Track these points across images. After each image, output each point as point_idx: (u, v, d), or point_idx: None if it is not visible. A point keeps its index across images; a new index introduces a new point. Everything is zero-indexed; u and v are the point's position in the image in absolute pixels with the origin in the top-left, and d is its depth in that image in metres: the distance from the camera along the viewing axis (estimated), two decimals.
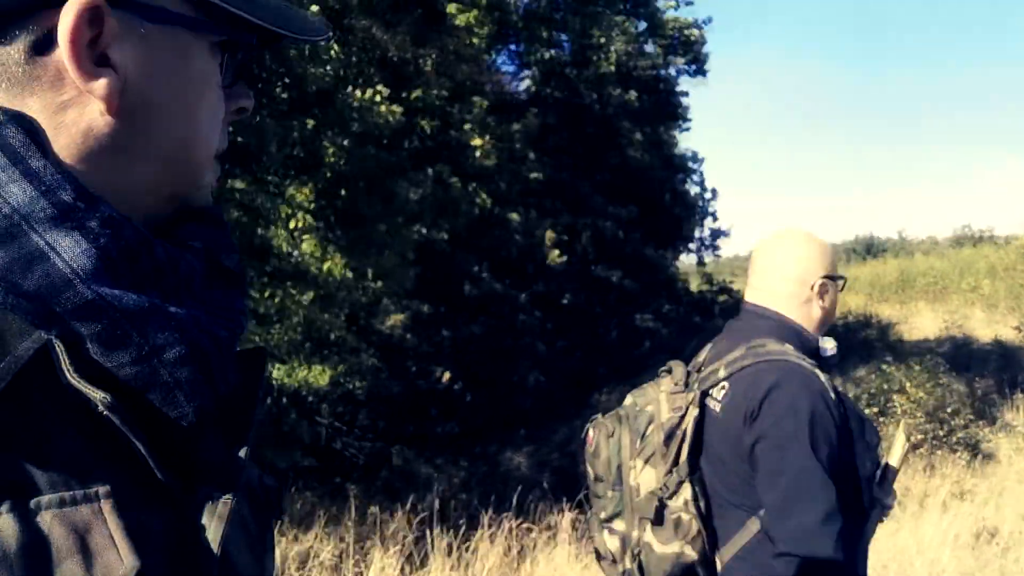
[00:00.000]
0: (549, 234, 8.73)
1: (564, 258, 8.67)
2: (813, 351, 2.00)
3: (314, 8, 6.06)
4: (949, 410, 8.75)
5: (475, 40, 7.22)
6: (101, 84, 0.56)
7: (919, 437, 7.98)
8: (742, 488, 1.93)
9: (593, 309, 13.20)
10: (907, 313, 21.91)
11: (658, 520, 1.99)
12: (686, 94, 13.67)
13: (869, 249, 50.18)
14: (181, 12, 0.60)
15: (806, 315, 2.01)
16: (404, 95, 7.75)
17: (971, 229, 40.17)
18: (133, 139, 0.59)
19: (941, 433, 8.31)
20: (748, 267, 2.17)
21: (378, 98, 5.89)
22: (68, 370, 0.51)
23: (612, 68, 11.78)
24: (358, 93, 5.68)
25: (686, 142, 25.55)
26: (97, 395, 0.51)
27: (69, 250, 0.52)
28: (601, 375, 13.60)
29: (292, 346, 5.95)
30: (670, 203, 13.92)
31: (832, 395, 1.88)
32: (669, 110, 13.33)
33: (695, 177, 16.95)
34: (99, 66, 0.56)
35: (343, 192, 5.21)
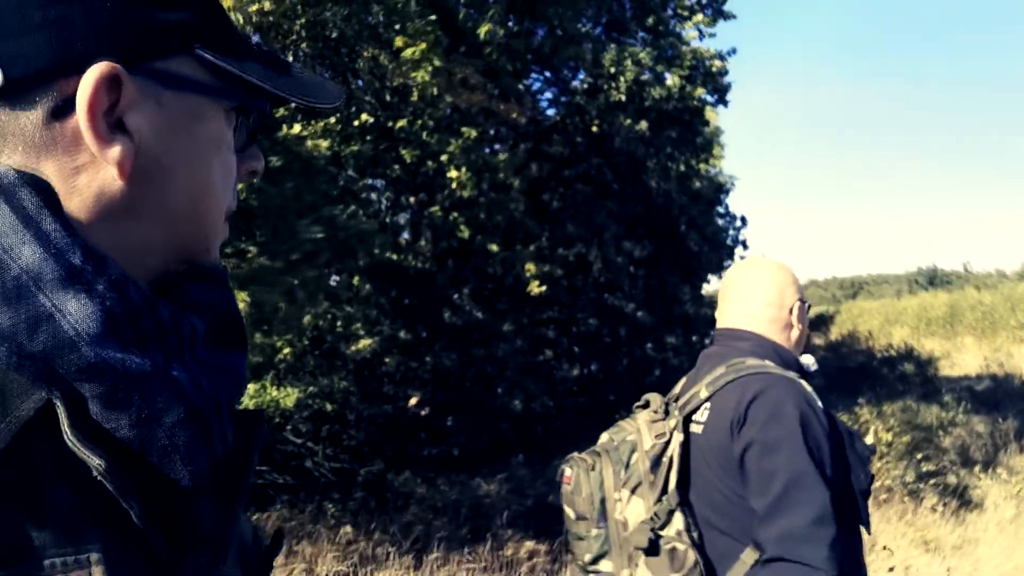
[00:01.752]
0: (530, 266, 8.62)
1: (543, 288, 8.54)
2: (795, 367, 2.03)
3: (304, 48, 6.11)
4: (919, 455, 8.32)
5: (422, 77, 7.17)
6: (116, 150, 0.56)
7: (886, 483, 7.59)
8: (731, 510, 1.85)
9: (603, 339, 13.02)
10: (952, 348, 21.07)
11: (652, 551, 1.89)
12: (706, 124, 13.40)
13: (932, 280, 48.55)
14: (198, 79, 0.61)
15: (787, 338, 2.07)
16: (390, 125, 7.77)
17: None
18: (145, 201, 0.59)
19: (909, 479, 7.89)
20: (721, 295, 2.20)
21: (305, 132, 5.89)
22: (67, 431, 0.51)
23: (623, 97, 11.63)
24: (285, 128, 5.70)
25: (725, 170, 25.09)
26: (93, 460, 0.51)
27: (75, 312, 0.52)
28: (611, 403, 13.38)
29: (252, 369, 5.99)
30: (687, 234, 13.66)
31: (819, 403, 1.86)
32: (689, 139, 13.08)
33: (720, 208, 16.64)
34: (115, 132, 0.57)
35: (245, 227, 5.21)
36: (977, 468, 8.56)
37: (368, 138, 7.64)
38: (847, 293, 50.31)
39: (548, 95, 12.03)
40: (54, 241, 0.53)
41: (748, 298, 2.09)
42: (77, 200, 0.56)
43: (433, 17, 7.50)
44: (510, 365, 7.94)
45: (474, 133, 8.03)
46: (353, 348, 6.88)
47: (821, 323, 27.37)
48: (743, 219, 19.50)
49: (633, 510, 1.93)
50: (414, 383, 7.85)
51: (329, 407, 7.07)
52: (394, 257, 7.22)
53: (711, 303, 15.72)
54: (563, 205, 13.12)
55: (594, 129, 12.37)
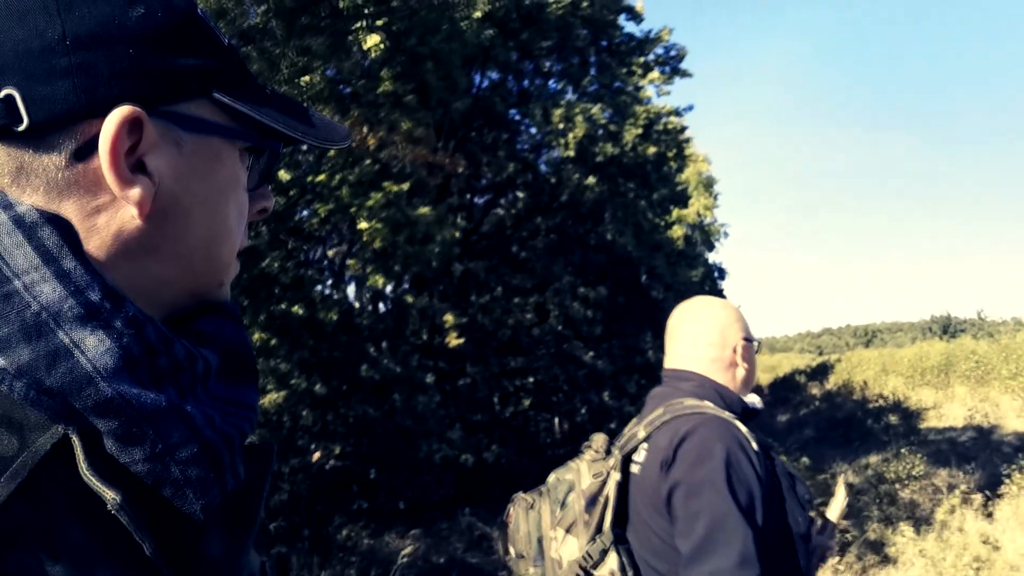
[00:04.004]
0: (448, 317, 8.58)
1: (462, 340, 8.49)
2: (738, 409, 1.99)
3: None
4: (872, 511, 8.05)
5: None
6: (136, 191, 0.57)
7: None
8: (666, 551, 1.81)
9: (561, 387, 12.89)
10: (944, 398, 20.53)
11: None
12: (665, 178, 13.36)
13: (946, 329, 47.57)
14: (216, 121, 0.62)
15: (731, 378, 2.03)
16: (309, 180, 7.85)
17: None
18: (162, 240, 0.60)
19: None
20: (667, 337, 2.19)
21: None
22: (83, 466, 0.52)
23: (571, 153, 11.67)
24: None
25: (719, 219, 25.03)
26: (108, 494, 0.52)
27: (93, 348, 0.53)
28: (566, 456, 13.20)
29: None
30: (649, 284, 13.56)
31: (754, 446, 1.82)
32: (644, 195, 13.04)
33: (709, 256, 16.60)
34: (136, 173, 0.58)
35: None
36: (904, 524, 8.24)
37: (291, 193, 7.72)
38: (860, 341, 49.48)
39: (500, 152, 12.10)
40: (74, 279, 0.54)
41: (691, 338, 2.07)
42: (96, 239, 0.57)
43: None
44: (431, 417, 7.87)
45: (395, 188, 8.07)
46: (264, 402, 6.88)
47: (821, 372, 26.85)
48: (720, 270, 19.38)
49: (567, 549, 1.91)
50: (333, 436, 7.81)
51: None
52: (300, 311, 7.24)
53: None
54: (523, 256, 13.14)
55: (553, 181, 12.43)
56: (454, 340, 8.38)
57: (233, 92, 0.63)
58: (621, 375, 13.32)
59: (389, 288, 8.84)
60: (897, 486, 11.33)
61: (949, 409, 19.38)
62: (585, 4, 12.36)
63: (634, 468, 1.92)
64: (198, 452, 0.56)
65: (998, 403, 18.81)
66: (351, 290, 8.43)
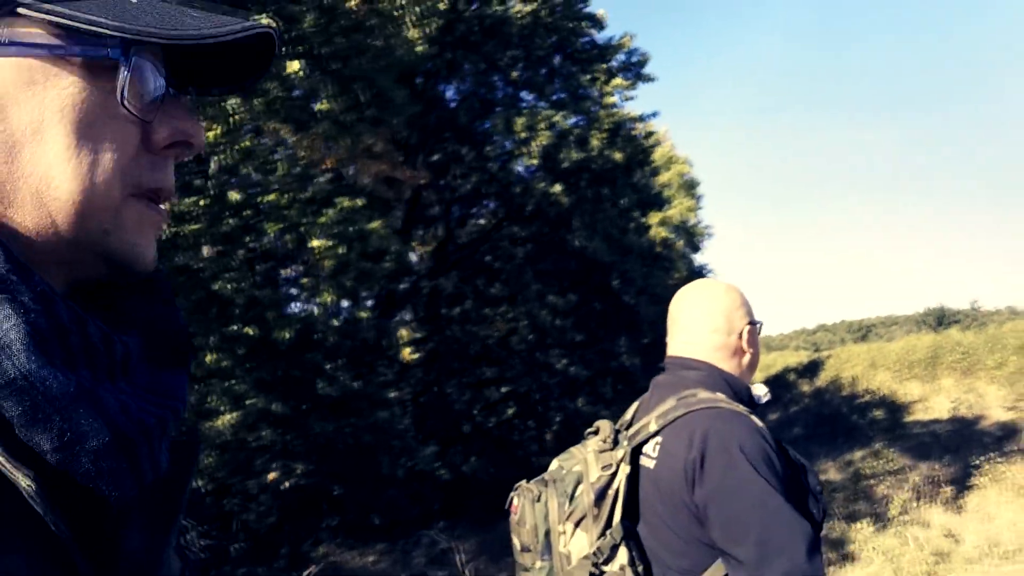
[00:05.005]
0: (403, 332, 8.56)
1: (416, 355, 8.47)
2: (746, 397, 1.93)
3: None
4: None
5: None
6: None
7: None
8: (687, 551, 1.76)
9: (534, 395, 12.87)
10: (931, 391, 20.48)
11: None
12: (634, 183, 13.38)
13: (940, 320, 47.48)
14: (23, 40, 0.54)
15: (736, 364, 1.96)
16: (258, 200, 7.85)
17: None
18: (6, 185, 0.54)
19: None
20: (669, 322, 2.09)
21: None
22: None
23: (536, 161, 11.68)
24: None
25: (704, 221, 25.03)
26: (22, 481, 0.49)
27: None
28: (544, 467, 13.15)
29: None
30: (621, 289, 13.55)
31: (771, 437, 1.77)
32: (614, 199, 13.05)
33: (696, 257, 16.61)
34: None
35: None
36: (866, 521, 8.20)
37: (245, 213, 7.71)
38: (855, 336, 49.39)
39: (468, 164, 12.11)
40: None
41: (695, 325, 1.98)
42: None
43: None
44: (391, 432, 7.85)
45: (347, 202, 8.08)
46: (209, 425, 6.85)
47: (811, 369, 26.78)
48: (705, 272, 19.41)
49: (576, 544, 1.85)
50: (294, 455, 7.79)
51: (200, 483, 7.05)
52: (250, 332, 7.23)
53: (648, 352, 15.49)
54: (497, 266, 13.13)
55: (518, 190, 12.44)
56: (408, 355, 8.36)
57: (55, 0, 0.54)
58: (597, 380, 13.30)
59: (346, 303, 8.82)
60: (873, 482, 11.31)
61: (935, 402, 19.31)
62: (545, 13, 12.40)
63: (645, 461, 1.86)
64: (110, 441, 0.52)
65: (983, 393, 18.75)
66: (309, 307, 8.43)
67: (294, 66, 6.00)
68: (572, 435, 12.24)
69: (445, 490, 11.46)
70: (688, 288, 2.10)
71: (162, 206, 0.62)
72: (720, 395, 1.85)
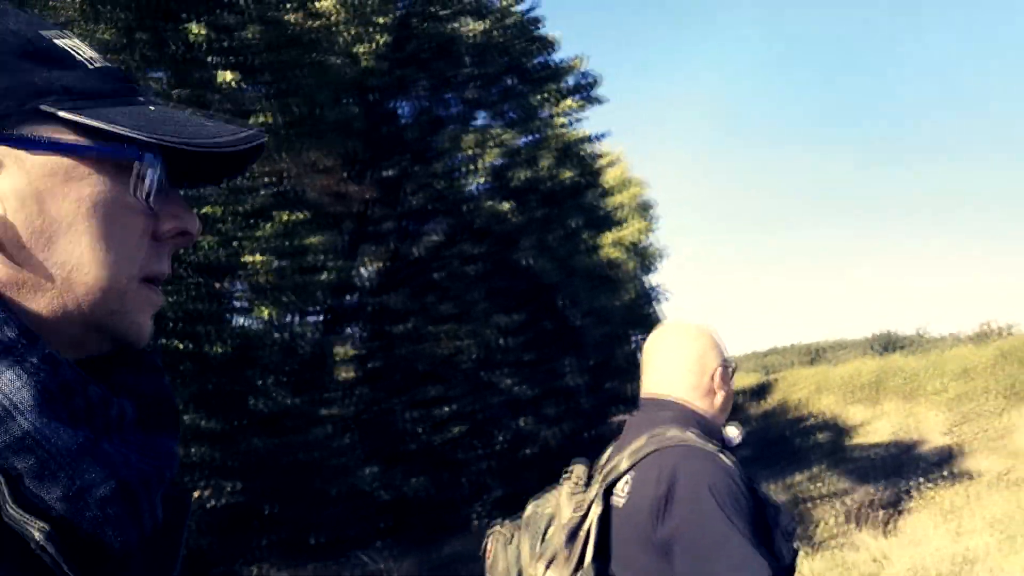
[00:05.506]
0: (344, 349, 8.48)
1: (353, 374, 8.39)
2: (718, 437, 1.94)
3: None
4: None
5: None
6: None
7: None
8: None
9: (479, 415, 12.81)
10: (874, 415, 20.83)
11: None
12: (581, 204, 13.45)
13: (887, 345, 48.31)
14: (58, 139, 0.58)
15: (709, 404, 1.98)
16: (197, 211, 7.74)
17: (991, 326, 38.36)
18: (32, 272, 0.58)
19: None
20: (643, 362, 2.12)
21: None
22: (9, 503, 0.51)
23: (483, 180, 11.70)
24: None
25: (657, 242, 25.18)
26: (34, 531, 0.51)
27: (8, 384, 0.52)
28: (487, 486, 13.08)
29: None
30: (567, 309, 13.59)
31: (741, 476, 1.79)
32: (562, 219, 13.11)
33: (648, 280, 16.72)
34: None
35: None
36: (798, 544, 8.28)
37: None
38: (806, 359, 50.04)
39: (417, 180, 12.09)
40: None
41: (668, 364, 2.02)
42: None
43: None
44: (325, 450, 7.76)
45: (289, 217, 8.00)
46: None
47: (760, 392, 27.10)
48: (652, 293, 19.52)
49: None
50: (225, 473, 7.65)
51: None
52: (181, 346, 7.11)
53: (593, 372, 15.54)
54: (446, 284, 13.09)
55: (466, 208, 12.44)
56: (347, 372, 8.28)
57: (81, 105, 0.60)
58: (541, 400, 13.29)
59: (289, 318, 8.72)
60: (810, 505, 11.42)
61: (878, 426, 19.62)
62: (497, 33, 12.46)
63: (616, 500, 1.86)
64: (115, 490, 0.55)
65: (923, 418, 19.11)
66: (252, 322, 8.32)
67: (226, 75, 5.94)
68: (514, 455, 12.17)
69: (386, 509, 11.34)
70: (662, 329, 2.15)
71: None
72: (691, 434, 1.87)
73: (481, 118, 12.81)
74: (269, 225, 7.69)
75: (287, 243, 7.72)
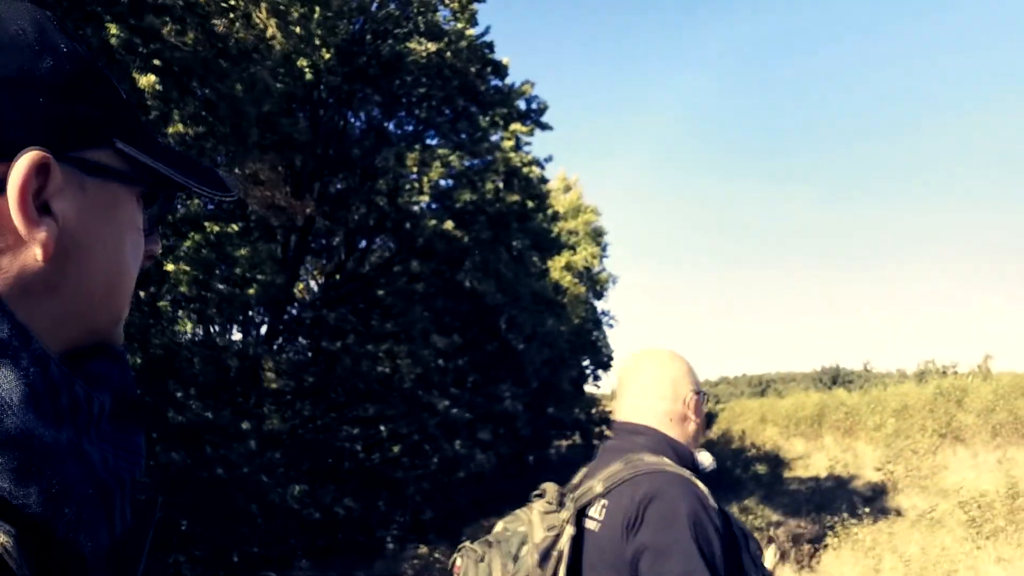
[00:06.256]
0: (274, 364, 8.35)
1: (289, 389, 8.26)
2: (690, 463, 1.94)
3: None
4: None
5: None
6: (42, 233, 0.58)
7: None
8: None
9: (413, 436, 12.69)
10: (814, 448, 21.05)
11: None
12: (526, 227, 13.47)
13: (835, 379, 49.05)
14: (117, 168, 0.64)
15: (682, 431, 1.98)
16: None
17: (934, 364, 39.12)
18: (64, 280, 0.60)
19: None
20: (618, 388, 2.14)
21: None
22: None
23: (427, 198, 11.67)
24: None
25: (608, 268, 25.35)
26: (1, 536, 0.50)
27: (2, 382, 0.52)
28: (417, 504, 12.95)
29: None
30: (508, 333, 13.55)
31: (713, 504, 1.77)
32: (507, 241, 13.10)
33: (598, 305, 16.73)
34: (42, 215, 0.58)
35: None
36: None
37: None
38: (755, 391, 50.58)
39: (360, 196, 12.01)
40: None
41: (643, 391, 2.02)
42: (0, 279, 0.57)
43: None
44: (252, 466, 7.59)
45: (217, 228, 7.87)
46: None
47: (706, 422, 27.27)
48: (596, 321, 19.56)
49: None
50: (139, 487, 7.45)
51: None
52: None
53: (533, 396, 15.49)
54: (388, 301, 12.99)
55: (408, 226, 12.38)
56: (275, 385, 8.13)
57: (131, 141, 0.65)
58: (477, 424, 13.21)
59: (216, 329, 8.56)
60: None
61: (816, 459, 19.82)
62: (449, 55, 12.48)
63: (590, 524, 1.86)
64: (93, 492, 0.55)
65: (860, 453, 19.35)
66: (178, 333, 8.14)
67: (148, 79, 5.84)
68: (447, 478, 12.01)
69: (314, 528, 11.16)
70: (637, 355, 2.16)
71: None
72: (665, 459, 1.88)
73: (430, 138, 12.79)
74: (198, 235, 7.57)
75: (214, 255, 7.59)
